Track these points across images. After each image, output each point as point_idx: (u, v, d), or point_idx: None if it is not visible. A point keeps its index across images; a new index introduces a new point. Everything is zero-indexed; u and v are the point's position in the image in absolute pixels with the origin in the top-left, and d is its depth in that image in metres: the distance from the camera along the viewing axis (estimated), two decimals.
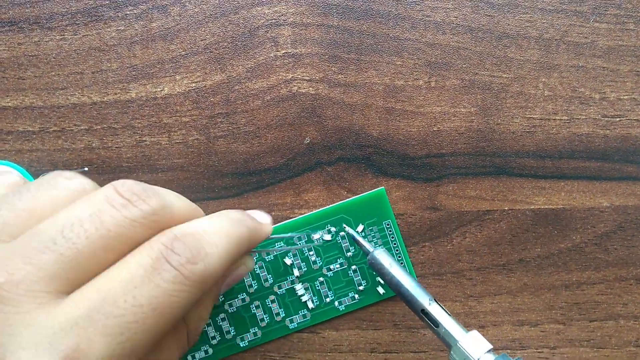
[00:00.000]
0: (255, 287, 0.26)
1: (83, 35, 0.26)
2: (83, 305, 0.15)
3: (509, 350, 0.26)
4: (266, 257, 0.26)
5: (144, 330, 0.15)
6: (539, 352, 0.26)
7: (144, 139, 0.26)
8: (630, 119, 0.26)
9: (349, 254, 0.26)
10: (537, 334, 0.26)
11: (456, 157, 0.26)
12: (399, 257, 0.26)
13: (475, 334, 0.21)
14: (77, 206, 0.16)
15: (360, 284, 0.26)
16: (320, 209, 0.26)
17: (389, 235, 0.26)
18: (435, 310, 0.22)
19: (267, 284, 0.26)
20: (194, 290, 0.16)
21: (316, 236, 0.26)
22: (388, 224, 0.26)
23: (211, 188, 0.26)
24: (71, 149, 0.26)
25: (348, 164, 0.26)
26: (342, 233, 0.26)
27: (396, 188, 0.26)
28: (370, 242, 0.26)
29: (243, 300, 0.26)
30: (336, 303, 0.26)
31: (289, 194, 0.26)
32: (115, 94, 0.26)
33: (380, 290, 0.26)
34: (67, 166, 0.26)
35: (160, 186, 0.26)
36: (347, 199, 0.26)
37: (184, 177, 0.26)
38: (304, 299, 0.26)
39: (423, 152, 0.26)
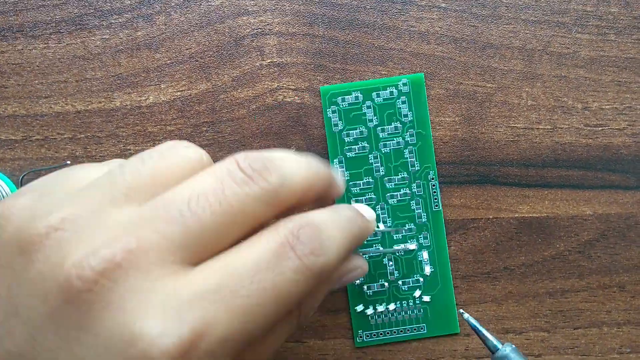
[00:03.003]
0: None
1: (67, 44, 0.26)
2: (212, 280, 0.15)
3: None
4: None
5: (264, 314, 0.15)
6: None
7: (128, 147, 0.26)
8: (612, 129, 0.27)
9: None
10: (521, 341, 0.26)
11: (440, 165, 0.26)
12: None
13: None
14: (200, 178, 0.16)
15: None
16: None
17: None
18: None
19: None
20: (312, 282, 0.16)
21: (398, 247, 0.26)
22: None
23: None
24: (54, 157, 0.26)
25: None
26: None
27: None
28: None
29: None
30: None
31: None
32: (100, 102, 0.26)
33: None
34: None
35: None
36: None
37: None
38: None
39: None
